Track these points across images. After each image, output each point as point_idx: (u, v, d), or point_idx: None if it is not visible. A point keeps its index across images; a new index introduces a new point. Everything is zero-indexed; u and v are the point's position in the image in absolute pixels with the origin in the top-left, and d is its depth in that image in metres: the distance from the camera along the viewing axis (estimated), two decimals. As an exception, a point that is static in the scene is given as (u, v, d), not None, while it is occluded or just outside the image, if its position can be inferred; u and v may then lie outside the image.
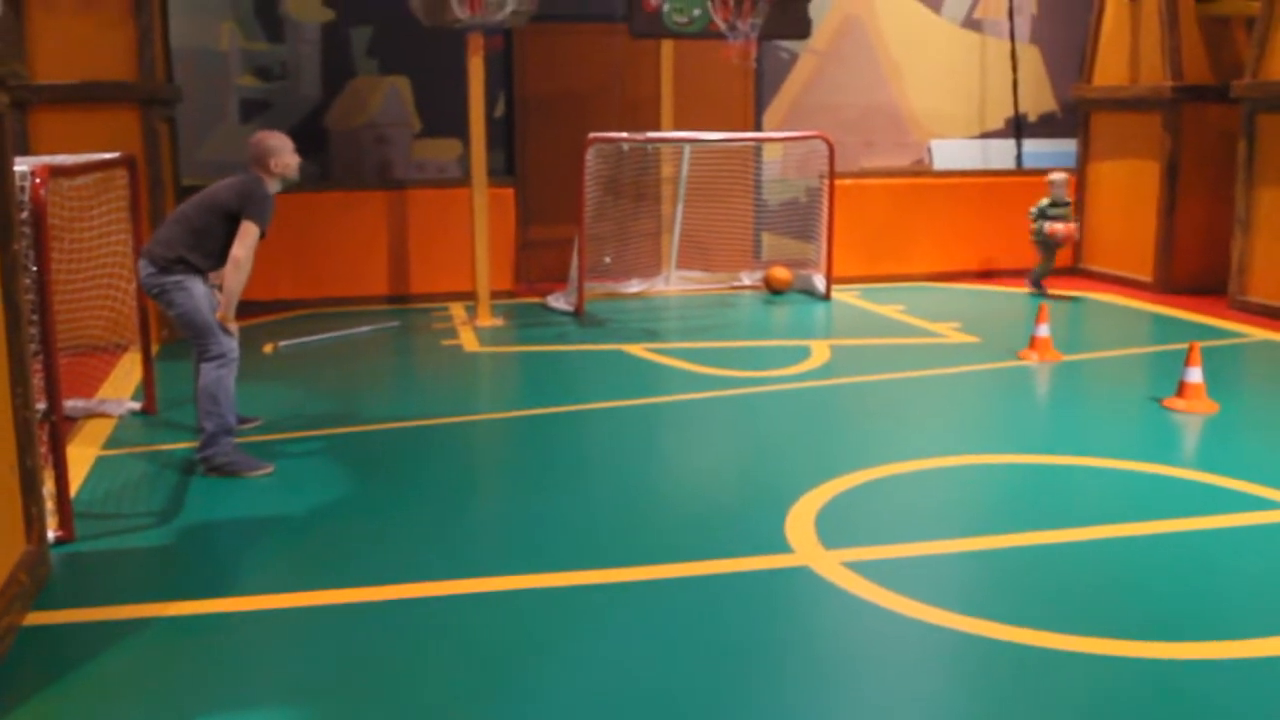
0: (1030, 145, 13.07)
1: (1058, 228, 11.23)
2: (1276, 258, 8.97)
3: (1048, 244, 11.43)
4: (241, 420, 6.52)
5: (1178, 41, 11.43)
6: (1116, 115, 12.22)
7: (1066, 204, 11.48)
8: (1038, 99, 13.09)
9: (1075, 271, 12.76)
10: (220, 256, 6.03)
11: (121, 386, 7.84)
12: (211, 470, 6.02)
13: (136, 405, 7.34)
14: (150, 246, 6.09)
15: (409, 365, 8.91)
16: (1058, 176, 11.45)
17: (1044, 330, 8.69)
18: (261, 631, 4.36)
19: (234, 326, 6.06)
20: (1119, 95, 12.09)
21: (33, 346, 4.87)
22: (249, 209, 5.94)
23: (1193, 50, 11.52)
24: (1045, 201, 11.44)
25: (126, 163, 7.15)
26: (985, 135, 12.97)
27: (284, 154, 6.14)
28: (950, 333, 9.67)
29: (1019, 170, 12.94)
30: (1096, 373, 8.46)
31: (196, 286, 6.00)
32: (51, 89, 8.74)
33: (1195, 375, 7.32)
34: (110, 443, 6.68)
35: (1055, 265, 11.80)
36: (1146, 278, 11.75)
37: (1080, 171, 12.75)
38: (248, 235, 5.92)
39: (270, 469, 6.09)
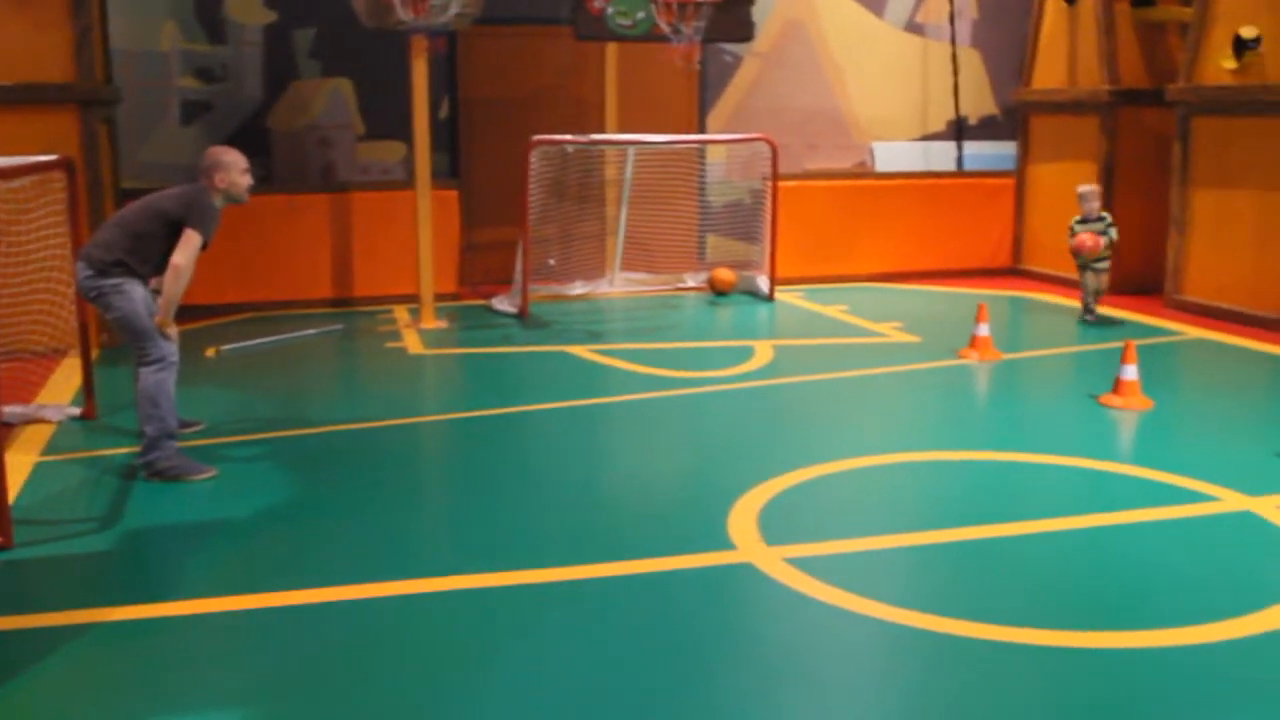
0: (971, 148, 13.22)
1: (1075, 239, 10.03)
2: (1210, 257, 9.15)
3: (1081, 262, 10.19)
4: (183, 424, 6.48)
5: (1114, 46, 11.62)
6: (1055, 118, 12.39)
7: (1099, 220, 10.08)
8: (978, 102, 13.24)
9: (1014, 272, 12.91)
10: (160, 263, 5.97)
11: (60, 392, 7.76)
12: (154, 475, 5.98)
13: (76, 410, 7.26)
14: (89, 249, 6.03)
15: (353, 368, 8.88)
16: (1085, 189, 10.21)
17: (984, 330, 8.80)
18: (205, 635, 4.34)
19: (173, 331, 6.02)
20: (1057, 98, 12.26)
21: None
22: (192, 218, 5.89)
23: (1129, 55, 11.71)
24: (1075, 219, 10.24)
25: (64, 165, 7.08)
26: (927, 138, 13.11)
27: (233, 171, 6.08)
28: (892, 332, 9.76)
29: (960, 172, 13.09)
30: (1035, 371, 8.58)
31: (135, 290, 5.95)
32: (-12, 91, 8.64)
33: (1131, 373, 7.44)
34: (49, 449, 6.61)
35: (1099, 285, 10.27)
36: (1085, 278, 11.92)
37: (1019, 173, 12.91)
38: (189, 243, 5.87)
39: (213, 473, 6.05)
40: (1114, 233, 10.02)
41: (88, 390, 7.27)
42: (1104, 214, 10.16)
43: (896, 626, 4.33)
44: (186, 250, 5.86)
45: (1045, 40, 12.50)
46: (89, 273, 5.94)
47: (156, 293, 6.04)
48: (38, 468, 6.24)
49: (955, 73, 13.08)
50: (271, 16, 11.17)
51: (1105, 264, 10.11)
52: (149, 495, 5.80)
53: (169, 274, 5.86)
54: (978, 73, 13.21)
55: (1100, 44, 11.67)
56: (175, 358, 6.06)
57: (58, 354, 8.02)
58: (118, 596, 4.61)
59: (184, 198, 5.99)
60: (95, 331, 8.39)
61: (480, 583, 4.74)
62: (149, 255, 5.96)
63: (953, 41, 13.05)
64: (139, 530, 5.36)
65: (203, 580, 4.84)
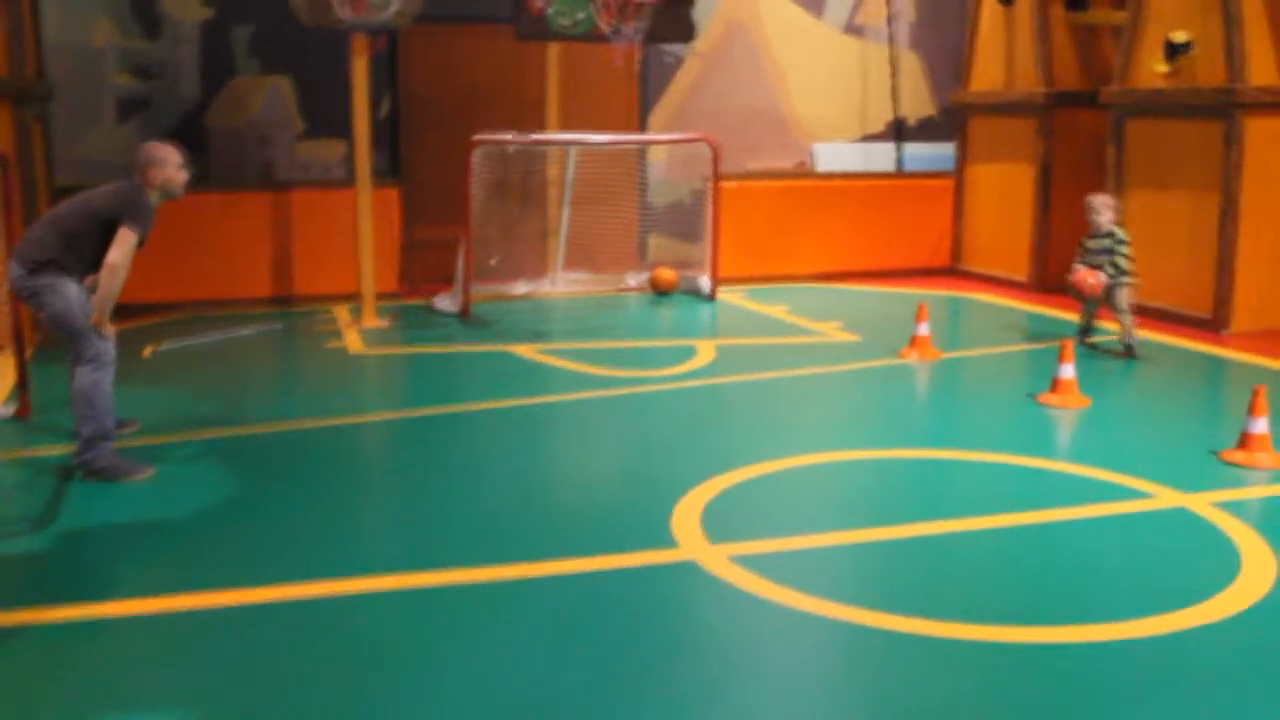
0: (910, 149, 13.33)
1: (1073, 276, 8.86)
2: (1143, 258, 9.28)
3: (1076, 296, 9.11)
4: (120, 424, 6.39)
5: (1049, 49, 11.78)
6: (993, 119, 12.54)
7: (1108, 236, 8.81)
8: (917, 103, 13.36)
9: (953, 272, 13.04)
10: (94, 262, 5.89)
11: (-6, 391, 7.65)
12: (90, 475, 5.89)
13: (10, 410, 7.15)
14: (21, 247, 5.93)
15: (292, 367, 8.81)
16: (1094, 199, 8.97)
17: (924, 329, 8.88)
18: (142, 636, 4.30)
19: (109, 330, 5.94)
20: (995, 100, 12.41)
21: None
22: (127, 216, 5.82)
23: (1064, 58, 11.88)
24: (1085, 237, 9.00)
25: (-3, 161, 6.97)
26: (867, 139, 13.20)
27: (168, 166, 6.01)
28: (833, 332, 9.83)
29: (900, 173, 13.20)
30: (974, 370, 8.67)
31: (69, 288, 5.86)
32: (-83, 86, 8.49)
33: (1068, 371, 7.54)
34: (-18, 448, 6.51)
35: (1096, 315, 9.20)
36: (1022, 277, 12.07)
37: (958, 174, 13.04)
38: (124, 241, 5.80)
39: (150, 472, 5.98)
40: (1126, 252, 8.74)
41: (22, 389, 7.15)
42: (1114, 229, 8.82)
43: (839, 623, 4.36)
44: (122, 248, 5.79)
45: (982, 43, 12.65)
46: (21, 271, 5.85)
47: (92, 290, 5.95)
48: (-30, 468, 6.15)
49: (894, 74, 13.19)
50: (209, 13, 11.04)
51: (1125, 280, 8.75)
52: (85, 495, 5.72)
53: (104, 272, 5.78)
54: (916, 74, 13.33)
55: (1036, 47, 11.82)
56: (112, 356, 5.98)
57: (-10, 353, 7.89)
58: (53, 597, 4.55)
59: (118, 195, 5.91)
60: (30, 330, 8.26)
61: (420, 582, 4.72)
62: (83, 254, 5.88)
63: (891, 43, 13.16)
64: (75, 530, 5.29)
65: (140, 580, 4.79)
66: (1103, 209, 8.83)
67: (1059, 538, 5.28)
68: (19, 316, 7.24)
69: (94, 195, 5.98)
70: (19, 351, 7.22)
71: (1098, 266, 8.74)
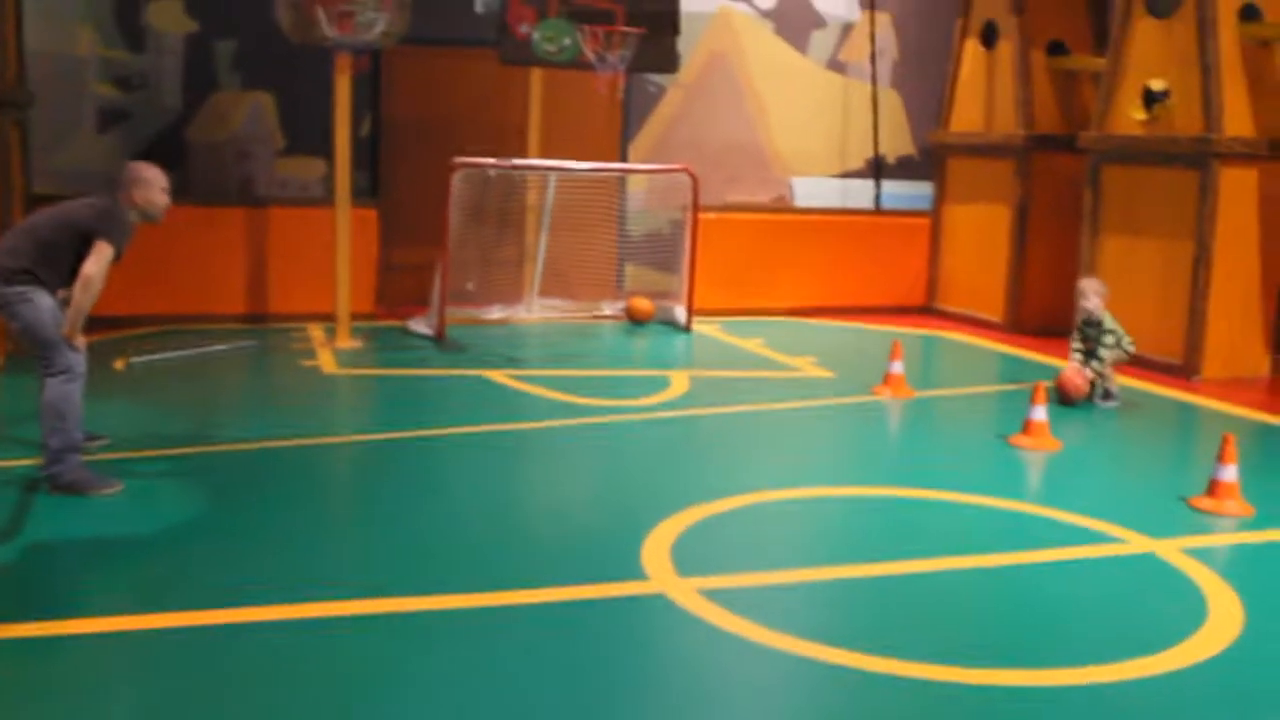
0: (889, 186, 13.41)
1: (1059, 378, 8.74)
2: (1116, 303, 9.31)
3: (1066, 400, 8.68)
4: (88, 438, 6.33)
5: (1029, 93, 11.88)
6: (971, 160, 12.62)
7: (1095, 325, 8.72)
8: (897, 142, 13.45)
9: (928, 311, 13.09)
10: (69, 275, 5.85)
11: (-39, 399, 7.57)
12: (57, 489, 5.83)
13: (-24, 419, 7.09)
14: None
15: (265, 385, 8.76)
16: (1084, 283, 8.93)
17: (898, 367, 8.90)
18: (104, 655, 4.24)
19: (81, 342, 5.90)
20: (974, 141, 12.50)
21: None
22: (104, 229, 5.79)
23: (1044, 101, 11.99)
24: (1076, 327, 8.89)
25: (-27, 168, 6.93)
26: (846, 175, 13.28)
27: (151, 189, 6.00)
28: (807, 367, 9.85)
29: (877, 210, 13.26)
30: (947, 409, 8.70)
31: (42, 299, 5.81)
32: (-105, 89, 8.44)
33: (1040, 414, 7.57)
34: (-53, 457, 6.44)
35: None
36: (997, 318, 12.13)
37: (935, 214, 13.11)
38: (101, 255, 5.76)
39: (118, 487, 5.92)
40: (1108, 342, 8.64)
41: (-11, 400, 7.10)
42: (1103, 316, 8.71)
43: (807, 660, 4.35)
44: (98, 261, 5.75)
45: (963, 84, 12.75)
46: None
47: (65, 303, 5.90)
48: (-66, 478, 6.08)
49: (875, 112, 13.27)
50: (193, 26, 11.03)
51: (1110, 356, 8.70)
52: (50, 509, 5.66)
53: (79, 284, 5.74)
54: (897, 113, 13.42)
55: (1016, 90, 11.93)
56: (82, 369, 5.93)
57: (-41, 361, 7.82)
58: (14, 613, 4.49)
59: (97, 209, 5.88)
60: (0, 340, 8.19)
61: (384, 608, 4.68)
62: (57, 265, 5.84)
63: (873, 81, 13.24)
64: (38, 544, 5.23)
65: (103, 598, 4.74)
66: (1090, 294, 8.75)
67: (1029, 580, 5.28)
68: (-10, 325, 7.19)
69: (72, 207, 5.94)
70: (-12, 361, 7.17)
71: (1090, 352, 8.73)
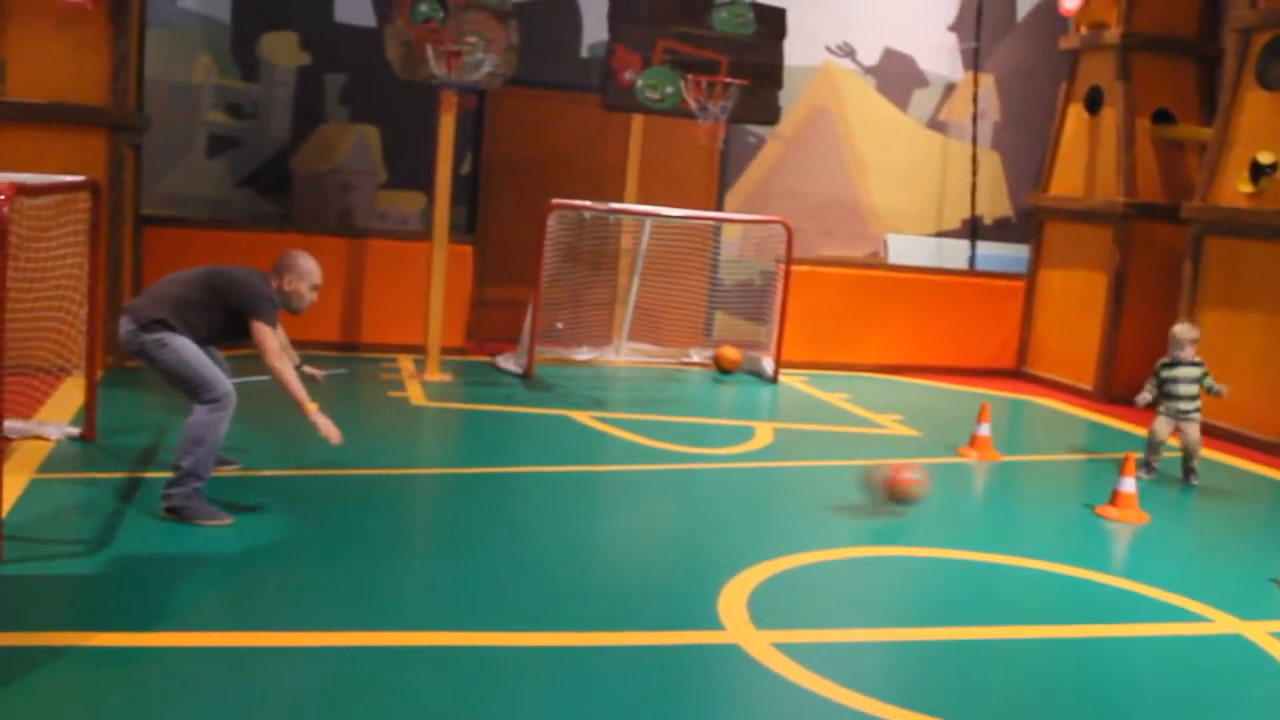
0: (984, 248, 13.32)
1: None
2: (1217, 375, 9.15)
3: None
4: (220, 462, 6.37)
5: (1133, 160, 11.74)
6: (1069, 225, 12.49)
7: (1174, 365, 8.48)
8: (994, 203, 13.37)
9: (1018, 375, 12.94)
10: (205, 336, 5.94)
11: (61, 410, 7.76)
12: (168, 511, 5.82)
13: (75, 430, 7.27)
14: (135, 302, 5.97)
15: (354, 414, 8.86)
16: (1179, 329, 8.61)
17: (985, 430, 8.81)
18: (184, 668, 4.32)
19: (328, 428, 5.95)
20: (1073, 206, 12.37)
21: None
22: (256, 311, 5.86)
23: (1147, 169, 11.83)
24: (1161, 360, 8.64)
25: (91, 187, 7.14)
26: (941, 234, 13.22)
27: (301, 282, 6.04)
28: (893, 425, 9.77)
29: (972, 271, 13.16)
30: (1033, 475, 8.59)
31: (178, 341, 5.83)
32: (21, 107, 8.72)
33: (1129, 485, 7.44)
34: (45, 466, 6.60)
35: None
36: (1087, 385, 11.96)
37: (1030, 277, 12.97)
38: (265, 337, 5.85)
39: (228, 521, 5.84)
40: (1210, 384, 8.46)
41: (89, 411, 7.28)
42: (1187, 358, 8.50)
43: (878, 720, 4.31)
44: (268, 345, 5.85)
45: (1065, 148, 12.64)
46: (130, 327, 5.86)
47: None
48: (32, 485, 6.23)
49: (974, 172, 13.22)
50: (305, 59, 11.31)
51: (1196, 412, 8.50)
52: (140, 522, 5.79)
53: (274, 375, 5.84)
54: (996, 174, 13.35)
55: (1119, 156, 11.79)
56: (233, 400, 5.94)
57: (63, 372, 8.01)
58: (101, 622, 4.60)
59: (251, 293, 5.92)
60: (101, 354, 8.40)
61: (462, 641, 4.72)
62: (193, 323, 5.90)
63: (974, 142, 13.20)
64: (128, 557, 5.34)
65: (187, 613, 4.82)
66: (1182, 342, 8.46)
67: (1109, 654, 5.19)
68: (94, 340, 7.38)
69: (226, 279, 5.97)
70: (90, 374, 7.35)
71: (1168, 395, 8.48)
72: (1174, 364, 8.50)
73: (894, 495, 6.95)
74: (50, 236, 7.36)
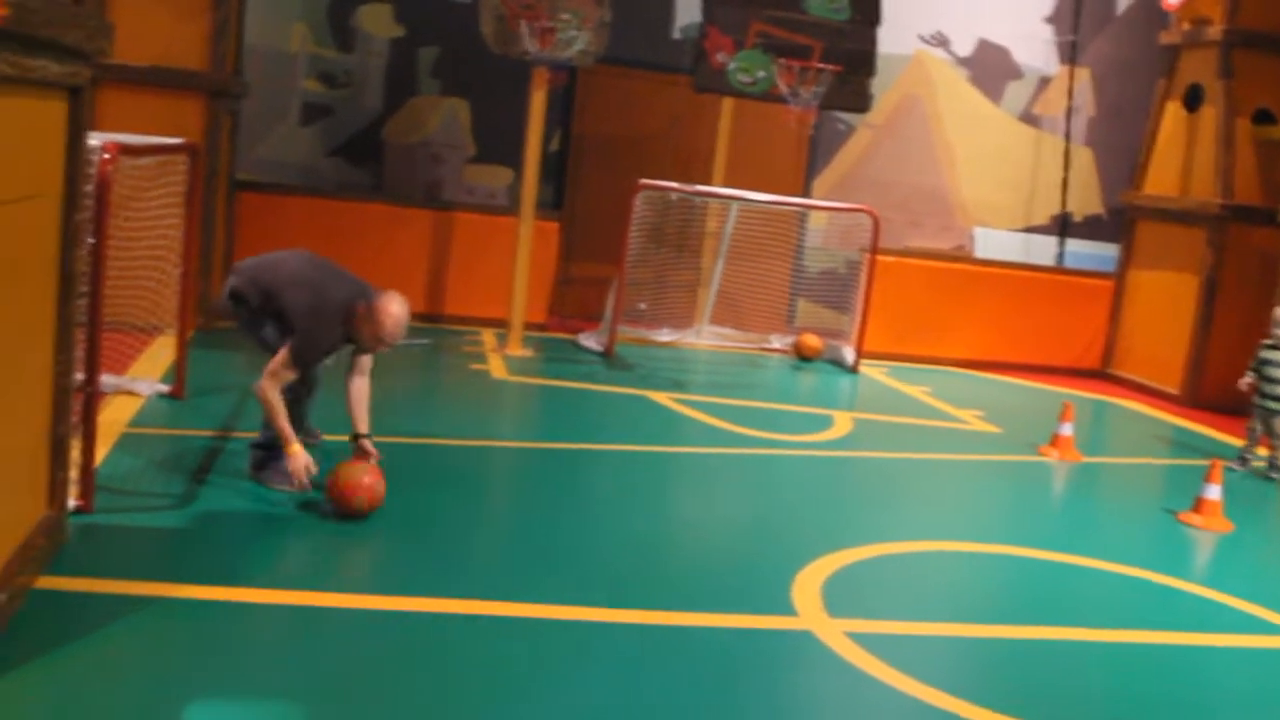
0: (1073, 245, 13.13)
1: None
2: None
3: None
4: (306, 432, 6.32)
5: (1231, 161, 11.50)
6: (1162, 225, 12.27)
7: (1275, 347, 8.59)
8: (1085, 200, 13.17)
9: (1103, 375, 12.76)
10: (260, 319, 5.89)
11: (152, 367, 7.92)
12: (254, 470, 5.93)
13: (165, 388, 7.42)
14: (232, 278, 5.95)
15: (435, 385, 8.97)
16: None
17: (1067, 429, 8.70)
18: (263, 624, 4.41)
19: (296, 466, 5.65)
20: (1166, 206, 12.14)
21: (79, 318, 4.94)
22: (298, 339, 5.59)
23: (1245, 171, 11.58)
24: (1263, 345, 8.68)
25: (189, 150, 7.27)
26: (1029, 229, 13.05)
27: (382, 328, 5.58)
28: (973, 420, 9.69)
29: (1059, 268, 12.99)
30: (1115, 478, 8.47)
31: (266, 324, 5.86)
32: (122, 69, 8.88)
33: (1214, 492, 7.31)
34: (136, 421, 6.75)
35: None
36: (1174, 389, 11.76)
37: (1119, 277, 12.77)
38: (277, 364, 5.59)
39: (308, 488, 5.69)
40: None
41: (179, 370, 7.43)
42: None
43: (946, 714, 4.28)
44: (273, 368, 5.58)
45: (1161, 146, 12.41)
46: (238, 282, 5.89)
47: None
48: (123, 438, 6.38)
49: (1066, 168, 13.02)
50: (400, 31, 11.40)
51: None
52: (225, 479, 5.90)
53: (259, 396, 5.59)
54: (1088, 170, 13.14)
55: (1217, 156, 11.56)
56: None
57: (155, 330, 8.18)
58: (186, 574, 4.70)
59: (311, 312, 5.62)
60: (193, 314, 8.55)
61: (534, 613, 4.76)
62: (262, 303, 5.84)
63: (1067, 137, 13.00)
64: (212, 513, 5.45)
65: (267, 571, 4.91)
66: None
67: (1186, 662, 5.11)
68: (186, 300, 7.51)
69: (300, 284, 5.72)
70: (181, 333, 7.49)
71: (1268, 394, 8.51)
72: (1275, 346, 8.54)
73: (346, 507, 5.62)
74: (148, 197, 7.50)
